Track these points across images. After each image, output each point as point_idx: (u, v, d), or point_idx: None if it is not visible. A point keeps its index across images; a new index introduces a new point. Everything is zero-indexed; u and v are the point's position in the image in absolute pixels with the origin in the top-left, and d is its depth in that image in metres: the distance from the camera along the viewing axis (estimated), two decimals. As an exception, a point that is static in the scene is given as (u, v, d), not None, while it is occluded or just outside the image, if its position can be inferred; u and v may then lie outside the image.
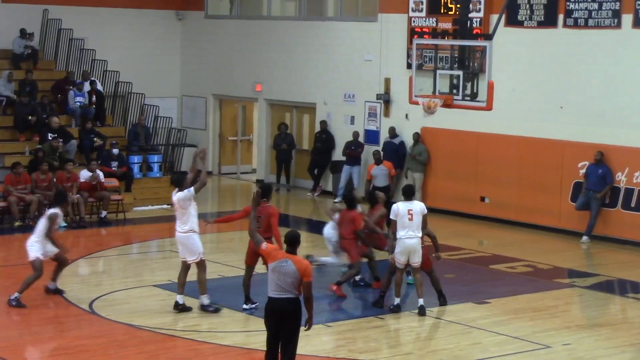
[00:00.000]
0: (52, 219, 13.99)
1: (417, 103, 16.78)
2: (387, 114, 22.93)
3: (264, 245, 10.04)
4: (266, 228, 13.36)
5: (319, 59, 24.11)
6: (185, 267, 13.63)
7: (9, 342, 12.20)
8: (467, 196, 21.32)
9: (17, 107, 21.93)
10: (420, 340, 13.17)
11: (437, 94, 16.36)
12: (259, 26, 25.46)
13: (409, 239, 13.68)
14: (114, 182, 20.97)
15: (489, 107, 15.90)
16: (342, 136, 23.72)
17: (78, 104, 22.69)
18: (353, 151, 22.75)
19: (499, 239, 19.30)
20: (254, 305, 13.69)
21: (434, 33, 21.05)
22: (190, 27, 27.09)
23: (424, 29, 21.50)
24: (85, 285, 15.26)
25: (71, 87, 22.97)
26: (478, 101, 16.05)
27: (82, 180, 20.07)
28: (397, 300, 13.79)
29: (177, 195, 13.44)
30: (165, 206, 21.22)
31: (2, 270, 16.27)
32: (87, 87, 23.23)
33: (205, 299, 13.65)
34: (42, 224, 14.01)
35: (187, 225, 13.41)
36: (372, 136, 23.19)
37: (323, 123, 23.95)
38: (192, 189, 13.32)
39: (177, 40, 27.15)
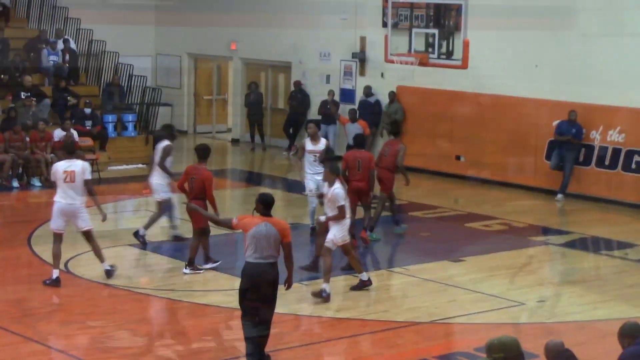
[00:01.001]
0: (166, 151, 14.45)
1: (392, 62, 16.64)
2: (362, 73, 22.85)
3: (235, 220, 9.83)
4: (198, 191, 13.24)
5: (294, 18, 23.78)
6: None
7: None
8: (443, 155, 21.31)
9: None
10: (397, 298, 13.18)
11: (412, 52, 16.20)
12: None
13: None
14: (88, 142, 20.76)
15: (464, 66, 15.83)
16: (317, 95, 23.53)
17: (52, 62, 22.35)
18: (328, 110, 22.50)
19: (474, 197, 19.31)
20: (215, 265, 13.61)
21: None
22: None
23: None
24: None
25: (44, 46, 22.63)
26: (454, 59, 15.92)
27: (56, 139, 19.72)
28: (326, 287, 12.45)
29: None
30: (140, 165, 21.12)
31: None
32: (60, 45, 22.96)
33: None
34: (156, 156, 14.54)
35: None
36: (348, 95, 23.11)
37: (297, 82, 23.87)
38: None
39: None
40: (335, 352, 11.12)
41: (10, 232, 16.10)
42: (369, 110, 22.25)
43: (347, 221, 12.61)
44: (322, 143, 15.44)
